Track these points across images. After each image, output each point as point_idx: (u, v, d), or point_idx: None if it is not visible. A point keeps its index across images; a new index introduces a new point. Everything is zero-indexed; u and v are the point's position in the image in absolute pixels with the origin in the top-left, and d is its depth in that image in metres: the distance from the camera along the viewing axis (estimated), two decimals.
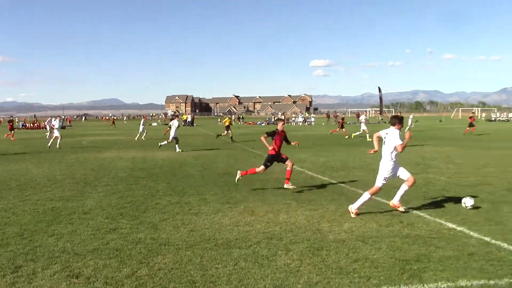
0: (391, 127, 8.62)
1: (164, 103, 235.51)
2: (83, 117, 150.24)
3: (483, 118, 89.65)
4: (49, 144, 25.73)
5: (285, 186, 11.43)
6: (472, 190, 10.85)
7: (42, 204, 9.87)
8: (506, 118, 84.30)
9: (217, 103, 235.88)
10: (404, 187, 8.62)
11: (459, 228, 7.47)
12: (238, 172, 11.75)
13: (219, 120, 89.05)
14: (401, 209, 8.67)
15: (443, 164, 16.14)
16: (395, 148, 8.38)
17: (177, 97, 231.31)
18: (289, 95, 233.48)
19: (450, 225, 7.70)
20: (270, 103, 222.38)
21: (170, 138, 22.95)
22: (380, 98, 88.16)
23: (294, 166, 11.92)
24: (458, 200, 9.47)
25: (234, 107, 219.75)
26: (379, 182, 8.58)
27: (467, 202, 8.92)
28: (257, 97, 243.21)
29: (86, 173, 14.93)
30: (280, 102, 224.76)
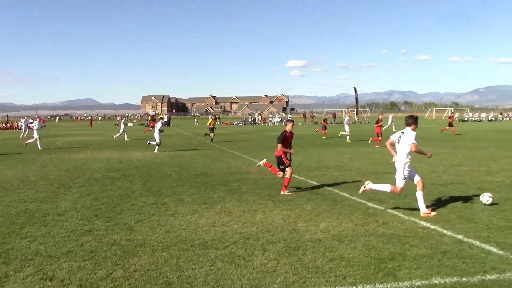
0: (407, 127, 8.58)
1: (140, 103, 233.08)
2: (57, 117, 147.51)
3: (456, 118, 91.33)
4: (27, 142, 26.04)
5: (282, 193, 10.75)
6: (445, 189, 11.06)
7: (15, 206, 9.68)
8: (478, 118, 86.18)
9: (193, 103, 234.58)
10: (419, 195, 8.44)
11: (433, 227, 7.60)
12: (264, 159, 11.71)
13: (195, 120, 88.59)
14: (433, 213, 8.42)
15: (417, 163, 16.29)
16: (409, 147, 8.36)
17: (153, 97, 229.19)
18: (266, 95, 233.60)
19: (424, 223, 7.82)
20: (247, 103, 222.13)
21: (158, 140, 22.58)
22: (356, 99, 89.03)
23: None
24: (431, 198, 9.62)
25: (211, 107, 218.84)
26: (400, 182, 8.58)
27: (484, 199, 9.12)
28: (234, 97, 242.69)
29: (60, 174, 14.70)
30: (257, 102, 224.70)
